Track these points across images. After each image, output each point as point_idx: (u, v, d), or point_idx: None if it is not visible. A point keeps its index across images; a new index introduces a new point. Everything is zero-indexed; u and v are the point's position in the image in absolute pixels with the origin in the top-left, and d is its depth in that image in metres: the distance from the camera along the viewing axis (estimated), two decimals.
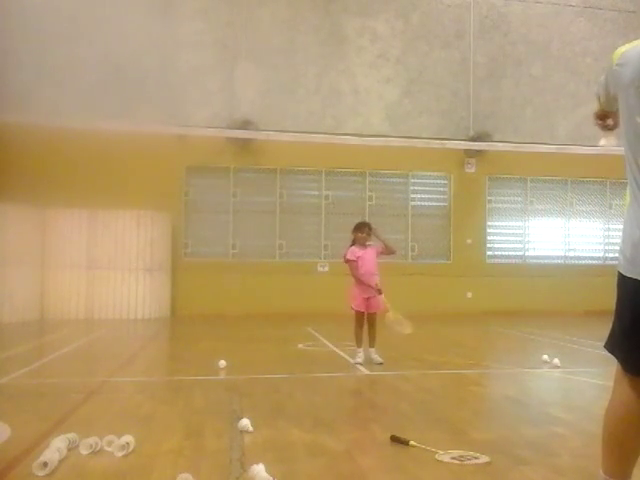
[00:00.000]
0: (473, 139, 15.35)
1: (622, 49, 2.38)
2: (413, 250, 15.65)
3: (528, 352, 8.79)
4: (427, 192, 15.94)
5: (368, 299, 7.06)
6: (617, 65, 2.35)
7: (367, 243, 7.22)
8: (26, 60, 13.20)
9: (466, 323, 12.97)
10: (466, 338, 10.62)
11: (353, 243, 7.26)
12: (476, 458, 3.51)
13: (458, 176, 15.72)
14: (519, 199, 16.21)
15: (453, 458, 3.51)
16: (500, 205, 16.04)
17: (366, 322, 7.14)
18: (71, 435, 3.57)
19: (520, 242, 16.03)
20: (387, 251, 7.27)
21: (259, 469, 3.09)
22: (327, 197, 15.31)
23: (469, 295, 15.08)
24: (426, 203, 15.89)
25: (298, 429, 4.20)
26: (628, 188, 2.40)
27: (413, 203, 15.79)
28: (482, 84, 15.66)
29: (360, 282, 7.07)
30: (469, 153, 15.48)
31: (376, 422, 4.43)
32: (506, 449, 3.73)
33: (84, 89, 13.05)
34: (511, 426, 4.38)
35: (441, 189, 15.99)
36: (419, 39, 15.61)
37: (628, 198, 2.40)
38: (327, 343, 8.95)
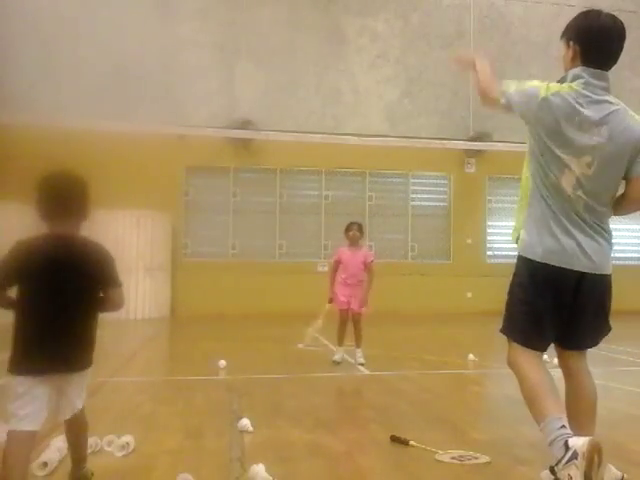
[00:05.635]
0: (473, 139, 15.34)
1: (556, 87, 2.84)
2: (413, 250, 15.65)
3: None
4: (427, 192, 15.95)
5: (349, 298, 7.11)
6: (544, 101, 2.80)
7: (360, 243, 7.25)
8: (26, 60, 13.20)
9: (466, 323, 12.96)
10: (466, 338, 10.62)
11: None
12: (476, 458, 3.51)
13: (458, 176, 15.72)
14: (519, 199, 16.20)
15: (453, 458, 3.51)
16: (500, 205, 16.04)
17: (350, 322, 7.22)
18: None
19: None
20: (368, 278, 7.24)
21: (259, 469, 3.09)
22: (327, 197, 15.31)
23: (469, 295, 15.08)
24: (426, 203, 15.90)
25: (298, 429, 4.20)
26: (528, 195, 3.03)
27: (413, 203, 15.79)
28: None
29: (333, 284, 7.12)
30: (469, 153, 15.47)
31: (376, 422, 4.43)
32: (506, 449, 3.73)
33: (84, 89, 13.05)
34: (511, 426, 4.38)
35: (441, 189, 15.99)
36: (419, 39, 15.61)
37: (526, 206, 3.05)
38: (327, 343, 8.94)
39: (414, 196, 15.80)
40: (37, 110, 12.28)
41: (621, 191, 2.94)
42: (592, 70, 2.81)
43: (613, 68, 2.93)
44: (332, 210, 15.09)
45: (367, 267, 7.15)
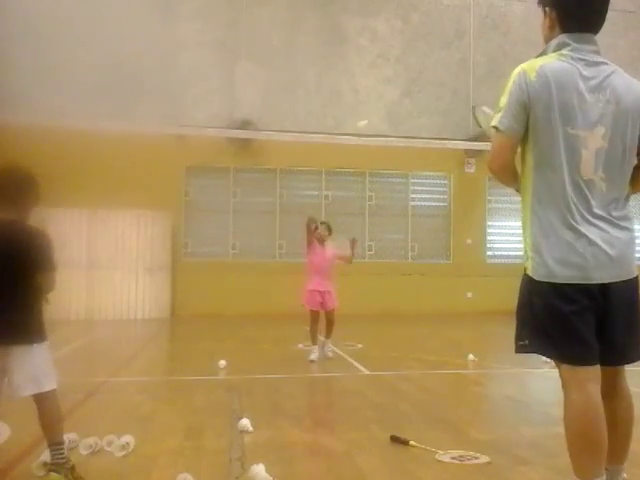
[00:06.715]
0: (473, 139, 15.33)
1: (536, 65, 2.48)
2: (413, 250, 15.65)
3: None
4: (427, 192, 15.95)
5: (323, 295, 7.30)
6: (536, 78, 2.44)
7: (326, 242, 7.47)
8: (26, 60, 13.19)
9: (466, 323, 12.97)
10: (466, 338, 10.62)
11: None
12: (476, 458, 3.52)
13: (458, 176, 15.72)
14: (519, 199, 16.19)
15: (453, 458, 3.52)
16: (500, 205, 16.04)
17: (325, 318, 7.44)
18: (71, 435, 3.57)
19: (520, 242, 16.01)
20: (345, 259, 7.59)
21: (259, 469, 3.09)
22: (327, 197, 15.30)
23: (469, 295, 15.08)
24: (426, 203, 15.90)
25: (298, 429, 4.20)
26: (530, 203, 2.78)
27: (413, 203, 15.79)
28: (482, 84, 15.65)
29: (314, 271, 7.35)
30: (469, 153, 15.46)
31: (376, 422, 4.43)
32: (506, 449, 3.73)
33: (84, 89, 13.04)
34: (511, 426, 4.38)
35: (441, 189, 15.99)
36: (419, 39, 15.61)
37: (530, 213, 2.76)
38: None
39: (414, 196, 15.80)
40: (37, 110, 12.27)
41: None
42: (577, 35, 2.48)
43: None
44: (332, 210, 15.08)
45: (342, 259, 7.49)
